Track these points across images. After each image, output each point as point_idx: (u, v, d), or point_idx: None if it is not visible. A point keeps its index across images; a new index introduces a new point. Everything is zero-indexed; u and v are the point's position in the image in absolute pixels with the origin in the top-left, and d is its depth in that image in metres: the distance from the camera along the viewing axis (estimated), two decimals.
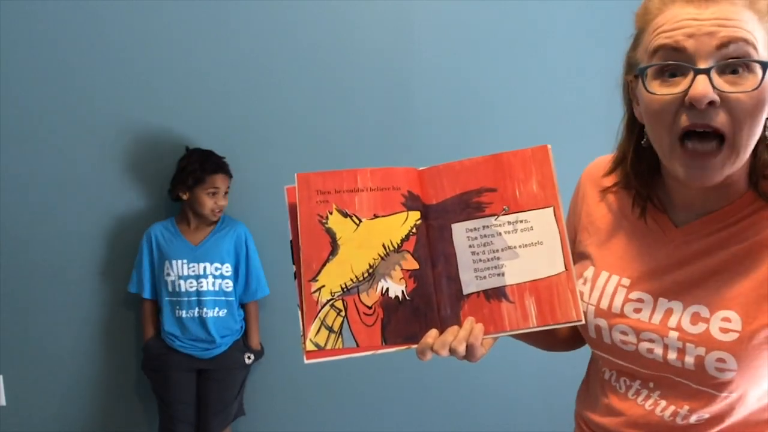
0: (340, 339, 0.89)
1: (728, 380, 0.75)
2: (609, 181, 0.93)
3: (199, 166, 2.15)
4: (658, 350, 0.81)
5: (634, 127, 0.86)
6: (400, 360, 2.44)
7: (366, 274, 0.90)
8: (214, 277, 2.19)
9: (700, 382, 0.78)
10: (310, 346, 0.89)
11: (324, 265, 0.89)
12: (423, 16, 2.29)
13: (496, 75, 2.35)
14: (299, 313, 0.89)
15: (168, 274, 2.18)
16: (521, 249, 0.90)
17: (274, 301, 2.35)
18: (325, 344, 0.89)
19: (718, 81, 0.71)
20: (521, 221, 0.90)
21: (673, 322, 0.80)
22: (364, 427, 2.55)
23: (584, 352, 1.09)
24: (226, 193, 2.20)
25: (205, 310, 2.18)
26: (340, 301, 0.89)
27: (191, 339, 2.19)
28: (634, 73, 0.80)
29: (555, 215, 0.90)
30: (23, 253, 2.26)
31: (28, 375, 2.37)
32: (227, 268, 2.21)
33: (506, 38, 2.33)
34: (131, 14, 2.18)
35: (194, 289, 2.17)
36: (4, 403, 2.37)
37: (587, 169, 0.99)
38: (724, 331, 0.75)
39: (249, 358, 2.29)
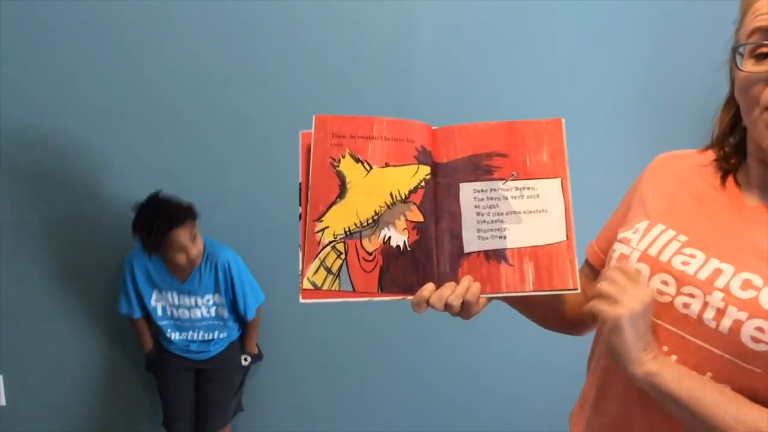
0: (337, 281, 0.89)
1: (760, 352, 0.74)
2: (705, 160, 0.93)
3: (148, 235, 1.97)
4: (696, 306, 0.79)
5: (731, 106, 0.88)
6: (401, 356, 2.50)
7: (370, 221, 0.91)
8: (207, 306, 2.15)
9: (727, 349, 0.76)
10: (306, 284, 0.89)
11: (330, 206, 0.90)
12: (424, 14, 2.28)
13: (498, 72, 2.35)
14: (300, 253, 0.90)
15: (157, 300, 2.14)
16: (525, 215, 0.92)
17: (274, 302, 2.32)
18: (322, 284, 0.89)
19: None
20: (528, 188, 0.92)
21: (720, 282, 0.78)
22: (364, 425, 2.53)
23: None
24: (194, 237, 2.04)
25: (200, 333, 2.18)
26: (342, 244, 0.90)
27: (185, 348, 2.20)
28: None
29: (562, 186, 0.92)
30: (23, 252, 2.24)
31: (28, 375, 2.34)
32: (218, 299, 2.16)
33: (509, 35, 2.33)
34: (118, 13, 2.14)
35: (188, 316, 2.15)
36: (4, 403, 2.34)
37: (660, 156, 1.00)
38: None
39: (246, 360, 2.28)
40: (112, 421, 2.42)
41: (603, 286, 0.83)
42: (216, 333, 2.20)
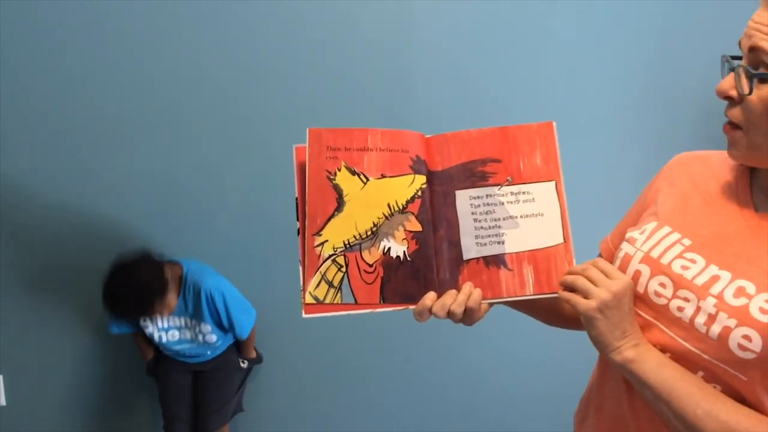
0: (339, 294, 0.90)
1: (746, 360, 0.74)
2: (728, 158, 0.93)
3: (123, 316, 2.05)
4: (689, 310, 0.80)
5: None
6: (401, 357, 2.50)
7: (369, 233, 0.92)
8: (195, 332, 2.15)
9: (715, 355, 0.77)
10: (309, 299, 0.90)
11: (329, 220, 0.91)
12: (424, 14, 2.28)
13: (498, 72, 2.35)
14: (300, 268, 0.91)
15: (146, 326, 2.13)
16: (522, 219, 0.92)
17: (275, 304, 2.32)
18: (324, 298, 0.90)
19: (743, 80, 0.75)
20: (523, 192, 0.93)
21: (716, 289, 0.78)
22: (365, 426, 2.53)
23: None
24: (167, 295, 2.03)
25: (189, 355, 2.20)
26: (342, 257, 0.91)
27: (183, 354, 2.22)
28: None
29: (556, 189, 0.93)
30: (23, 253, 2.25)
31: (28, 375, 2.35)
32: (206, 328, 2.13)
33: (508, 35, 2.33)
34: (124, 16, 2.14)
35: (176, 339, 2.15)
36: (4, 403, 2.36)
37: (679, 155, 1.00)
38: (764, 312, 0.74)
39: (244, 362, 2.29)
40: (112, 421, 2.42)
41: (576, 279, 0.85)
42: (209, 352, 2.21)
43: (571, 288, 0.86)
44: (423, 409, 2.55)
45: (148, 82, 2.19)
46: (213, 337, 2.16)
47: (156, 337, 2.13)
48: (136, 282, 1.96)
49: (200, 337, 2.15)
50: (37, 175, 2.21)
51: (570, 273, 0.88)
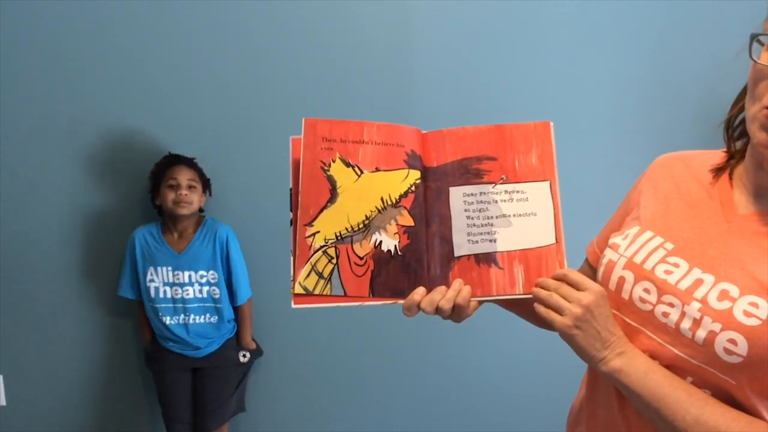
0: (328, 286, 0.90)
1: (733, 364, 0.73)
2: (707, 162, 0.91)
3: (157, 164, 2.17)
4: (674, 315, 0.79)
5: (741, 100, 0.85)
6: (402, 354, 2.51)
7: (361, 225, 0.91)
8: (200, 284, 2.17)
9: (703, 360, 0.76)
10: (298, 289, 0.90)
11: (321, 211, 0.91)
12: (424, 14, 2.29)
13: (498, 71, 2.35)
14: (291, 258, 0.91)
15: (152, 281, 2.16)
16: (515, 218, 0.92)
17: (275, 299, 2.33)
18: (314, 289, 0.90)
19: None
20: (517, 191, 0.93)
21: (699, 293, 0.77)
22: (364, 423, 2.54)
23: None
24: (191, 187, 2.14)
25: (191, 316, 2.18)
26: (333, 248, 0.91)
27: (179, 342, 2.21)
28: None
29: (551, 189, 0.93)
30: (23, 253, 2.25)
31: (28, 375, 2.35)
32: (213, 276, 2.19)
33: (509, 35, 2.33)
34: (128, 13, 2.16)
35: (179, 296, 2.17)
36: (4, 403, 2.36)
37: (661, 156, 0.98)
38: (748, 315, 0.73)
39: (244, 356, 2.29)
40: (112, 422, 2.43)
41: (549, 298, 0.84)
42: (207, 316, 2.20)
43: (545, 305, 0.85)
44: (422, 407, 2.56)
45: (148, 76, 2.20)
46: (217, 291, 2.19)
47: (162, 292, 2.15)
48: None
49: (205, 291, 2.17)
50: (36, 174, 2.22)
51: (542, 285, 0.87)
